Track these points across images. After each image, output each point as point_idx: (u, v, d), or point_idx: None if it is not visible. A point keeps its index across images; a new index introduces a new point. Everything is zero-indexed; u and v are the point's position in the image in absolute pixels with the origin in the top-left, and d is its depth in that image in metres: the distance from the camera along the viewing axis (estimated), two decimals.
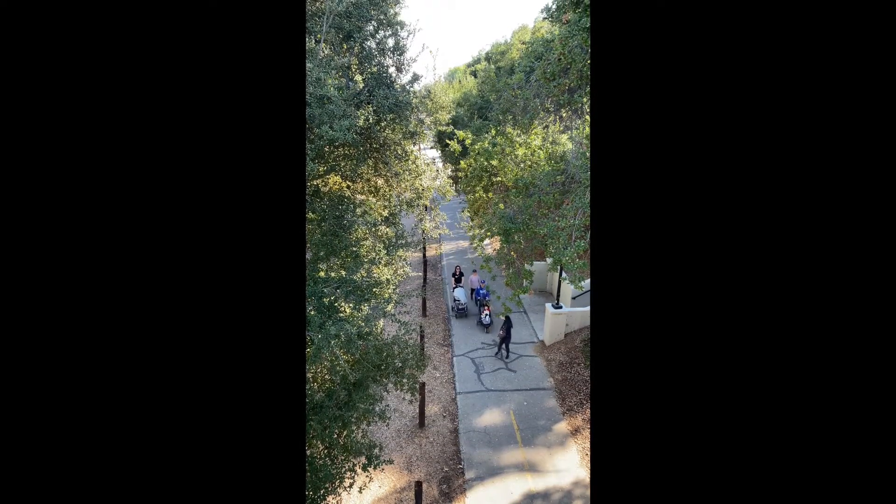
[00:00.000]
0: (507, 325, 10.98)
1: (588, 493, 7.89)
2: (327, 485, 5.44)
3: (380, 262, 7.15)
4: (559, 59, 7.91)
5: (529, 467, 8.39)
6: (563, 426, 9.33)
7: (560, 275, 11.65)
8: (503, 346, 11.30)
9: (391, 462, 6.78)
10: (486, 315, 12.76)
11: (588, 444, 8.84)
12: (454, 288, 14.00)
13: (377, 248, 7.36)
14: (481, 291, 13.40)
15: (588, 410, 9.61)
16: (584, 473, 8.26)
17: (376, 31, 7.71)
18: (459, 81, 25.10)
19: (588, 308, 11.96)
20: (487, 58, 26.62)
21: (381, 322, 6.88)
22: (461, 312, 13.49)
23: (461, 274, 14.58)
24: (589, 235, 8.08)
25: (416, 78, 8.00)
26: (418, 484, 7.31)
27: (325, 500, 5.46)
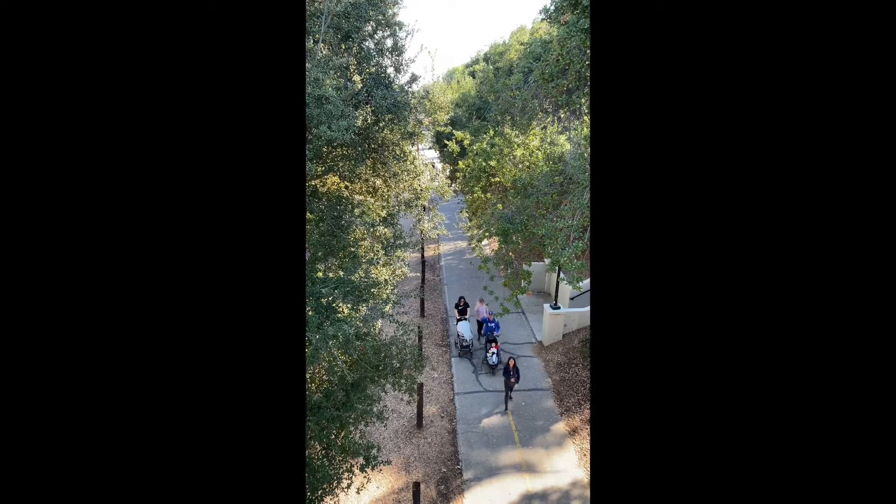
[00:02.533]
0: (517, 372, 9.62)
1: (586, 493, 7.89)
2: (325, 486, 5.42)
3: (378, 263, 7.14)
4: (557, 60, 7.93)
5: (527, 468, 8.39)
6: (561, 426, 9.33)
7: (558, 275, 11.65)
8: (510, 393, 9.88)
9: (389, 463, 6.77)
10: (494, 354, 10.98)
11: (586, 445, 8.84)
12: (458, 321, 11.87)
13: (375, 249, 7.35)
14: (490, 325, 11.32)
15: (586, 411, 9.61)
16: (581, 474, 8.27)
17: (374, 32, 7.71)
18: (458, 82, 25.12)
19: (586, 309, 11.96)
20: (486, 58, 26.66)
21: (380, 322, 6.87)
22: (465, 350, 11.60)
23: (465, 305, 12.15)
24: (587, 236, 8.09)
25: (414, 78, 8.01)
26: (416, 485, 7.30)
27: (323, 500, 5.44)
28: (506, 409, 9.81)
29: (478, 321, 12.09)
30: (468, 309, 12.18)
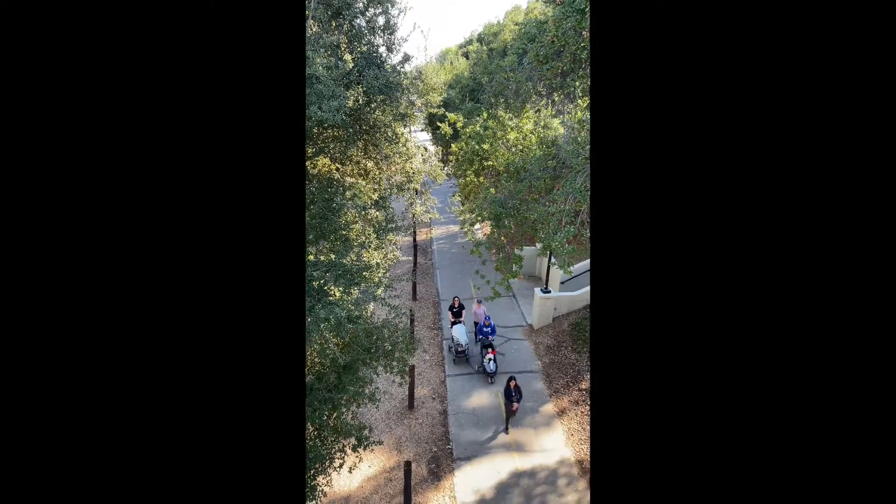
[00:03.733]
0: (519, 393, 8.56)
1: (573, 471, 8.13)
2: (317, 465, 5.51)
3: (369, 246, 7.11)
4: (552, 42, 7.82)
5: (516, 447, 8.59)
6: (549, 407, 9.54)
7: (549, 260, 11.73)
8: (511, 412, 8.81)
9: (381, 443, 6.88)
10: (491, 360, 10.00)
11: (574, 425, 9.06)
12: (452, 324, 10.97)
13: (367, 232, 7.31)
14: (485, 329, 10.42)
15: (574, 392, 9.82)
16: (569, 453, 8.49)
17: (366, 9, 7.50)
18: (451, 63, 24.70)
19: (576, 293, 12.11)
20: (480, 39, 26.20)
21: (371, 306, 6.88)
22: (461, 356, 10.62)
23: (461, 306, 11.20)
24: (579, 221, 8.13)
25: (406, 58, 7.84)
26: (407, 464, 7.45)
27: (315, 480, 5.53)
28: (506, 430, 8.93)
29: (474, 322, 11.23)
30: (463, 311, 11.24)
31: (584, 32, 8.35)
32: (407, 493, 7.44)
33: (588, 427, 8.93)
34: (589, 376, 10.09)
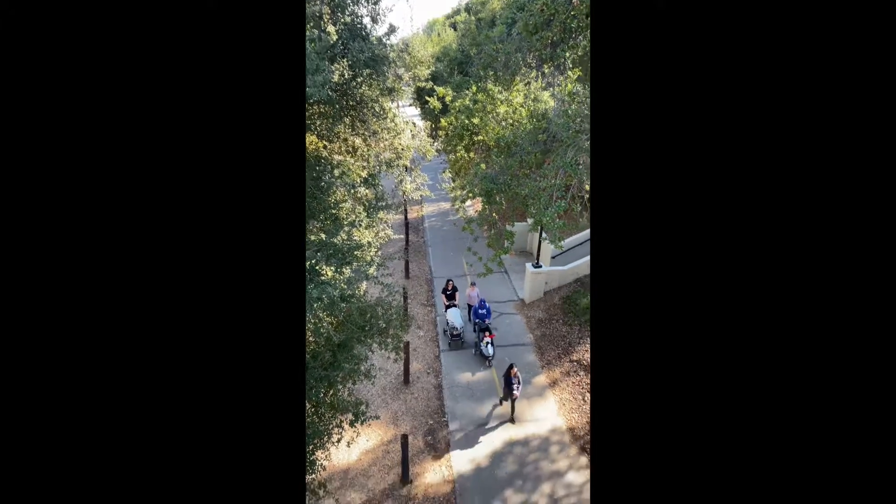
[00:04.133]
0: (518, 381, 8.32)
1: (564, 438, 8.41)
2: (316, 441, 5.62)
3: (360, 225, 7.06)
4: (541, 10, 7.61)
5: (510, 418, 8.83)
6: (541, 379, 9.77)
7: (540, 235, 11.77)
8: (511, 400, 8.60)
9: (377, 418, 7.02)
10: (488, 344, 9.74)
11: (565, 395, 9.32)
12: (447, 307, 10.74)
13: (357, 211, 7.24)
14: (480, 311, 10.13)
15: (566, 364, 10.05)
16: (561, 421, 8.76)
17: None
18: (438, 34, 24.00)
19: (566, 267, 12.23)
20: (468, 8, 25.40)
21: (364, 284, 6.89)
22: (456, 340, 10.34)
23: (454, 289, 10.96)
24: (569, 195, 8.12)
25: (392, 29, 7.59)
26: (404, 437, 7.64)
27: (314, 455, 5.66)
28: (500, 402, 9.00)
29: (468, 305, 10.93)
30: (457, 294, 11.03)
31: (573, 0, 8.14)
32: (405, 464, 7.66)
33: (578, 396, 9.19)
34: (579, 347, 10.31)
